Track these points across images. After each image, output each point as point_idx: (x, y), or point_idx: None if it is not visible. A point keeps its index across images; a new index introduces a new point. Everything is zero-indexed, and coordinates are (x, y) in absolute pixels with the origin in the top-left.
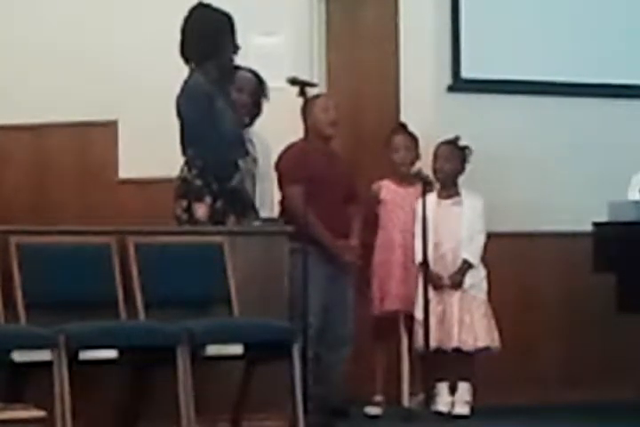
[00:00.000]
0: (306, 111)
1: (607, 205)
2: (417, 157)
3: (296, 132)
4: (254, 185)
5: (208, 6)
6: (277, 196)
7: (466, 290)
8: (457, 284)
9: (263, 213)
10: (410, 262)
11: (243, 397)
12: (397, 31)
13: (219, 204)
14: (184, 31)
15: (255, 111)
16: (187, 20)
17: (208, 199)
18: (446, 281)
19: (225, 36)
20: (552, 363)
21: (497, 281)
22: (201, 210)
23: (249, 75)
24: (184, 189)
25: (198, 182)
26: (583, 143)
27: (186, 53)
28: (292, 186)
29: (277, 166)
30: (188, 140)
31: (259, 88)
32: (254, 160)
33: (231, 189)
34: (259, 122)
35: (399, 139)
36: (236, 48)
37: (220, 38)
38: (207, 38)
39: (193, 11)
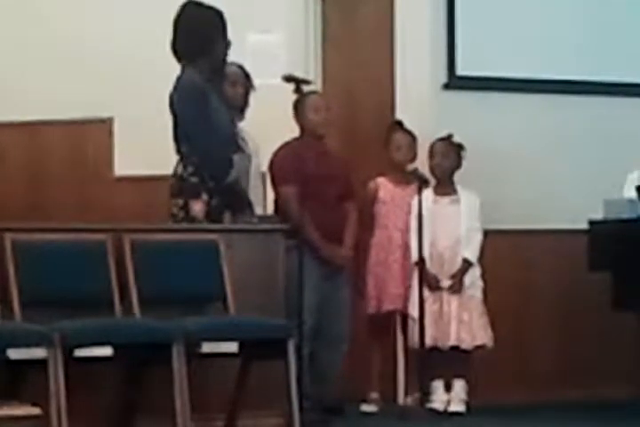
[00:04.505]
0: (297, 109)
1: (602, 203)
2: (415, 155)
3: (292, 129)
4: (248, 182)
5: (197, 4)
6: (268, 193)
7: (463, 289)
8: (458, 287)
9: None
10: (408, 262)
11: (238, 394)
12: (393, 29)
13: (215, 201)
14: (175, 29)
15: (245, 103)
16: (177, 17)
17: (204, 196)
18: (444, 284)
19: (216, 32)
20: (548, 361)
21: (493, 279)
22: (197, 207)
23: (236, 68)
24: (179, 186)
25: (194, 180)
26: (579, 141)
27: (178, 51)
28: (285, 186)
29: (270, 166)
30: (182, 137)
31: (246, 80)
32: (249, 157)
33: (227, 186)
34: (255, 119)
35: (400, 137)
36: (227, 44)
37: (212, 35)
38: (198, 35)
39: (183, 8)
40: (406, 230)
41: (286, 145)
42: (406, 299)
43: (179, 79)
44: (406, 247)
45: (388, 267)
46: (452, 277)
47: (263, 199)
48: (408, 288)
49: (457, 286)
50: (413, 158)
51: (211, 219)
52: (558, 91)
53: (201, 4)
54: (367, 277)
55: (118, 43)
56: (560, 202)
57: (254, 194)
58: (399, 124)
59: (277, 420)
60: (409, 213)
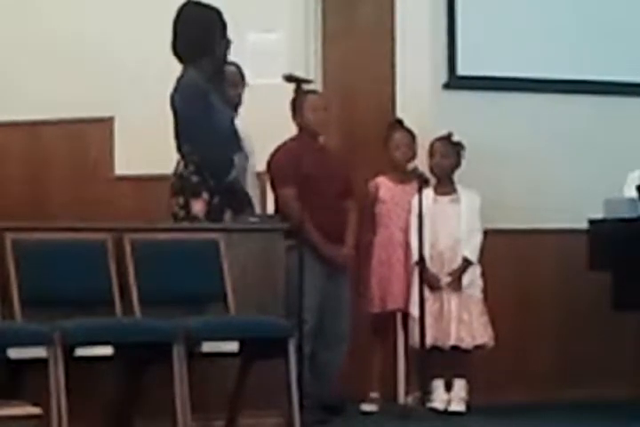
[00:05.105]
0: (295, 108)
1: (603, 203)
2: (415, 153)
3: (291, 128)
4: (245, 181)
5: (196, 3)
6: (268, 193)
7: (463, 288)
8: (457, 284)
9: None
10: (410, 261)
11: (238, 394)
12: (394, 28)
13: (216, 200)
14: (175, 29)
15: (240, 101)
16: (177, 18)
17: (205, 195)
18: (444, 282)
19: (216, 31)
20: (548, 360)
21: (493, 279)
22: (198, 206)
23: (234, 68)
24: (180, 185)
25: (195, 179)
26: (579, 141)
27: (178, 52)
28: (284, 188)
29: (269, 168)
30: (183, 136)
31: (242, 80)
32: (246, 156)
33: (228, 185)
34: (255, 119)
35: (399, 136)
36: (228, 44)
37: (212, 35)
38: (199, 35)
39: (182, 8)
40: (407, 229)
41: (283, 146)
42: (408, 298)
43: (180, 79)
44: (408, 246)
45: (392, 266)
46: (451, 274)
47: (262, 199)
48: (409, 287)
49: (455, 284)
50: (413, 157)
51: (211, 218)
52: (559, 90)
53: (200, 4)
54: (371, 277)
55: (118, 43)
56: (560, 202)
57: (252, 194)
58: (399, 122)
59: (277, 419)
60: (409, 211)
